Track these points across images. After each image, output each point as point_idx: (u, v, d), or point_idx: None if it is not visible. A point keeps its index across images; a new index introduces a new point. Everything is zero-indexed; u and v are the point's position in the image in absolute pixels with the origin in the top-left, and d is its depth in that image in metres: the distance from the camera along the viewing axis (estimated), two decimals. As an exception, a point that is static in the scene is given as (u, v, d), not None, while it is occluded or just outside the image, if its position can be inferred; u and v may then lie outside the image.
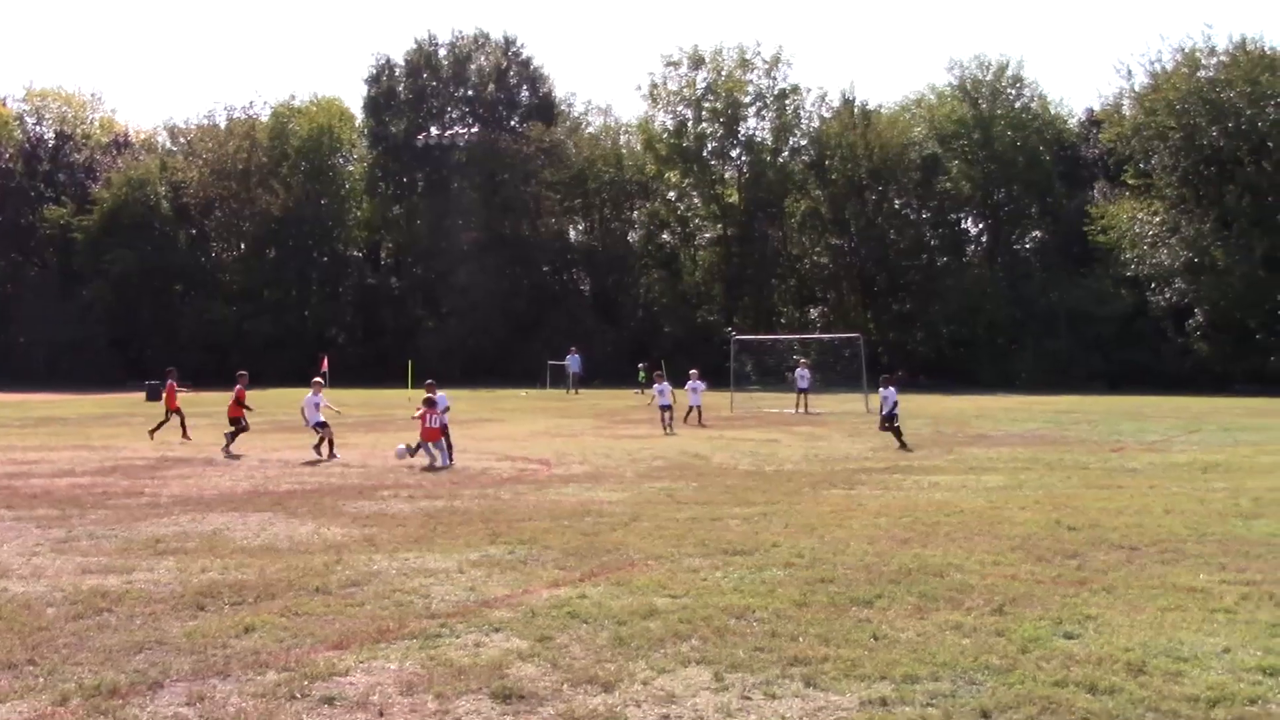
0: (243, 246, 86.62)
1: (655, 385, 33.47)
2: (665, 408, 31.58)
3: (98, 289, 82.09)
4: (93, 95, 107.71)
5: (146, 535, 14.04)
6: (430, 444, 22.92)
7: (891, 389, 26.89)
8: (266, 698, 7.51)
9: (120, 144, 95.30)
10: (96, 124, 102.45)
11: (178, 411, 29.26)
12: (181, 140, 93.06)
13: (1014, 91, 71.56)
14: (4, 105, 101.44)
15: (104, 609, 10.00)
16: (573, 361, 57.53)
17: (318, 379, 26.31)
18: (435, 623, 9.53)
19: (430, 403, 23.28)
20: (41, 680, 7.87)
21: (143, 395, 50.58)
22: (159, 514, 15.91)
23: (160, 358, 73.89)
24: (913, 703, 7.56)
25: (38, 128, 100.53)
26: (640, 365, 55.49)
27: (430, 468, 22.02)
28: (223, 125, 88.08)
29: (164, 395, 30.77)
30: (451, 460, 22.82)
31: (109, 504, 16.96)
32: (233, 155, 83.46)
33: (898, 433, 26.48)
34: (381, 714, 7.24)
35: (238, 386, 26.80)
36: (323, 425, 24.54)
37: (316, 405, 24.82)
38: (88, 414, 40.03)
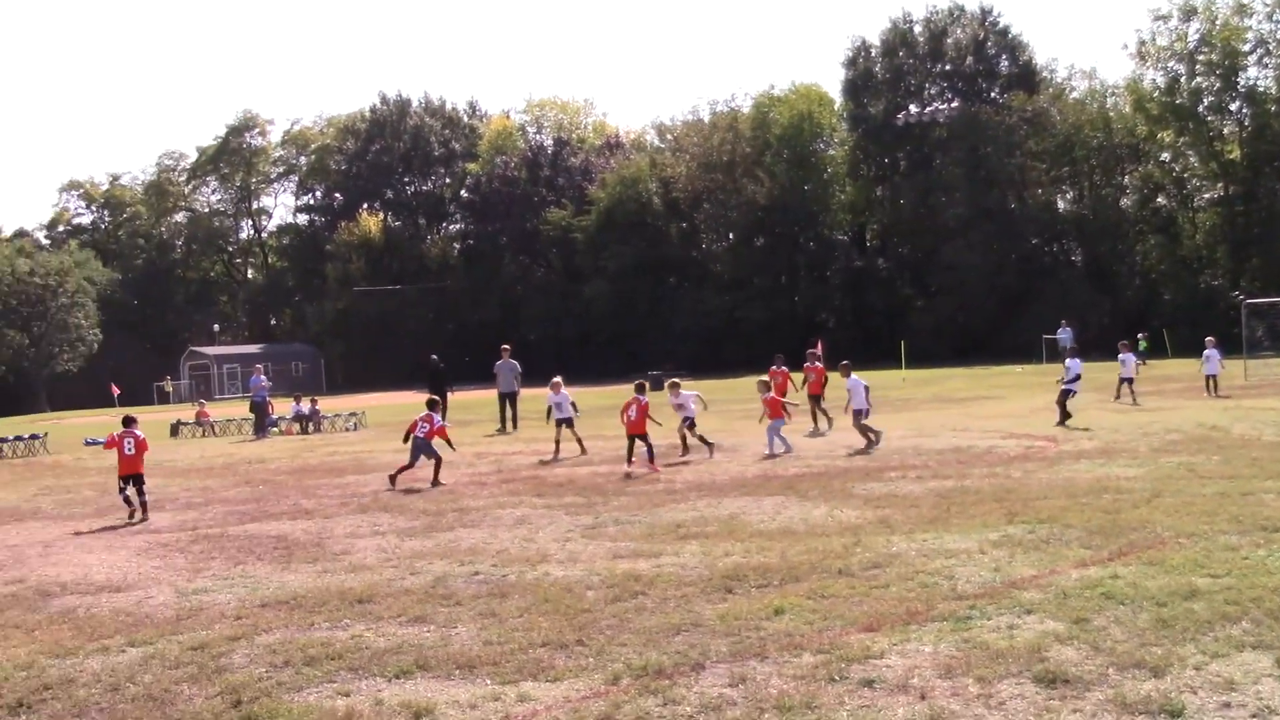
0: (731, 236, 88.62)
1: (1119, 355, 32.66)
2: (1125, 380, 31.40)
3: (597, 286, 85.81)
4: (585, 101, 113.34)
5: (668, 520, 14.52)
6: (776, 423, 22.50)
7: None
8: (805, 680, 7.56)
9: (612, 145, 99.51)
10: (590, 128, 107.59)
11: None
12: (669, 137, 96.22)
13: None
14: (508, 118, 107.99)
15: (639, 592, 10.37)
16: (1065, 335, 55.62)
17: (557, 379, 25.36)
18: (964, 604, 9.35)
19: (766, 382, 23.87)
20: (591, 660, 8.23)
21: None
22: (676, 499, 16.43)
23: (656, 350, 76.80)
24: None
25: (538, 136, 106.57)
26: (1139, 335, 52.97)
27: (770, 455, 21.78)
28: (706, 119, 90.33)
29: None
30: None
31: (628, 491, 17.67)
32: (717, 148, 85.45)
33: None
34: (923, 697, 7.14)
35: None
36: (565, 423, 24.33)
37: (559, 404, 24.36)
38: (597, 405, 41.91)
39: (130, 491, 18.04)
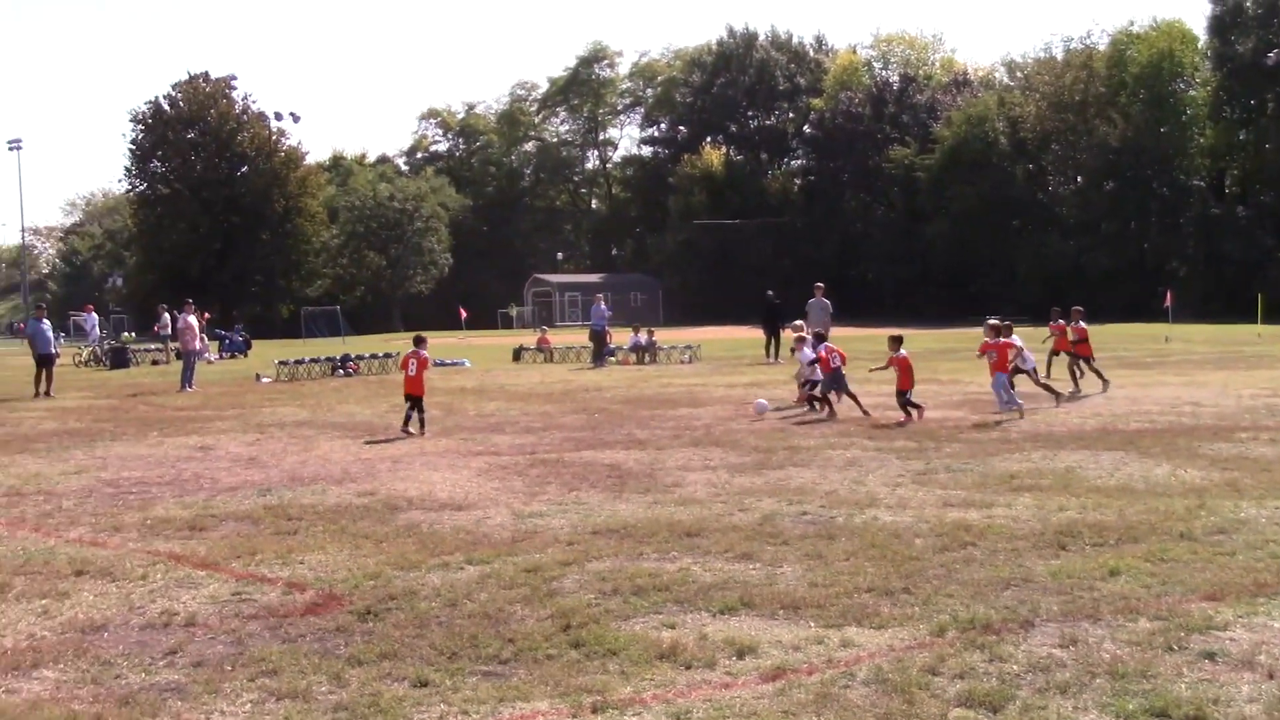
0: (1079, 179, 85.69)
1: None
2: None
3: (938, 226, 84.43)
4: (934, 37, 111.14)
5: (1001, 470, 14.19)
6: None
7: None
8: (1141, 646, 7.27)
9: (960, 83, 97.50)
10: (937, 64, 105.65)
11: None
12: (1019, 75, 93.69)
13: None
14: (855, 53, 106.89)
15: (968, 543, 10.18)
16: None
17: (800, 327, 23.86)
18: (1320, 580, 8.82)
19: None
20: (917, 610, 8.12)
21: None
22: (1010, 449, 16.03)
23: (997, 293, 75.09)
24: None
25: (884, 72, 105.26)
26: None
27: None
28: (1060, 57, 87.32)
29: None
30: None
31: (961, 438, 17.34)
32: (1069, 87, 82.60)
33: None
34: (1271, 676, 6.76)
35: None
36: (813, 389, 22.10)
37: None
38: (930, 348, 41.31)
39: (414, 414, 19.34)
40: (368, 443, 18.53)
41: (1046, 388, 21.94)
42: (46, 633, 8.05)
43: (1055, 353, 26.38)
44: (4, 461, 17.21)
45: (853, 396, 21.01)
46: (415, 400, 19.60)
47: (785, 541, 10.39)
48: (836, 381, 21.23)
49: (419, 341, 20.52)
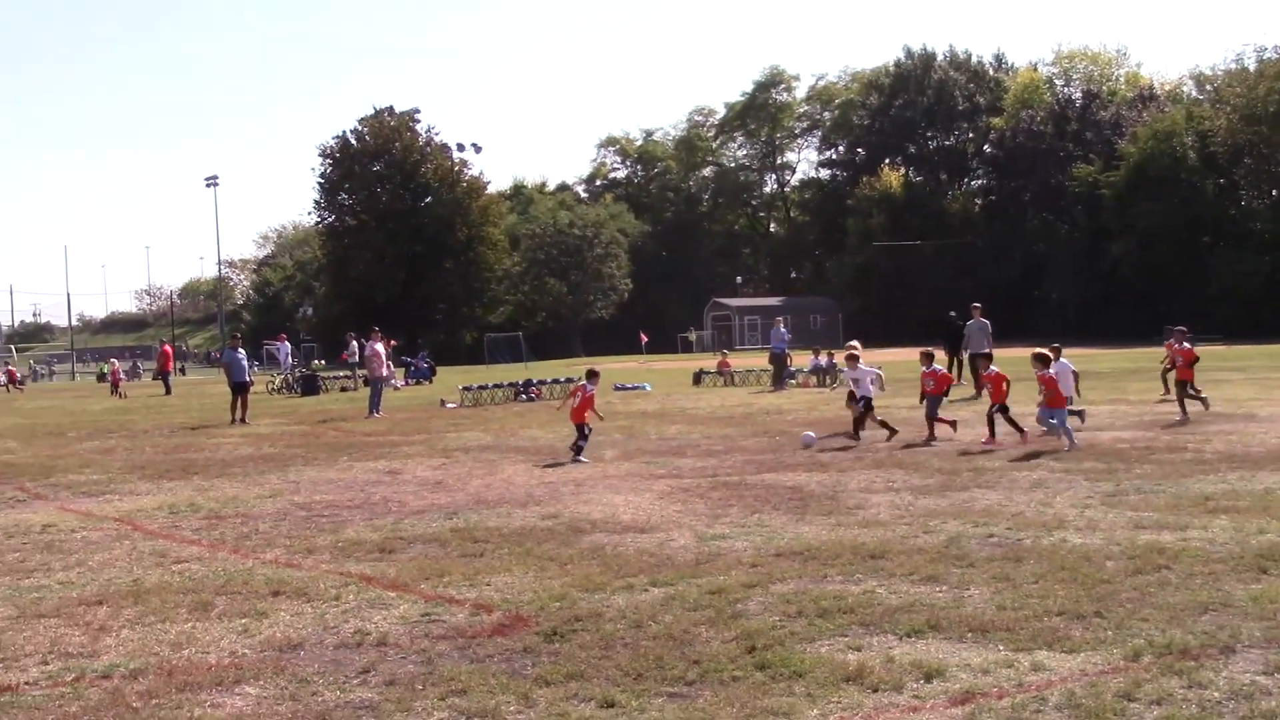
0: (1275, 193, 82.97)
1: None
2: None
3: (1124, 244, 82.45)
4: (1118, 52, 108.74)
5: (1195, 492, 13.77)
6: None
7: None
8: (1349, 674, 7.00)
9: (1145, 97, 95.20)
10: (1122, 80, 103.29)
11: None
12: (1208, 88, 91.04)
13: None
14: (1035, 70, 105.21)
15: (1162, 566, 9.89)
16: None
17: (855, 348, 22.63)
18: None
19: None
20: (1110, 633, 7.92)
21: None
22: (1205, 470, 15.56)
23: (1187, 312, 73.02)
24: None
25: (1066, 89, 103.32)
26: None
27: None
28: (1252, 67, 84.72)
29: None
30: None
31: (1152, 459, 16.88)
32: (1264, 98, 79.95)
33: None
34: None
35: None
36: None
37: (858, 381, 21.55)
38: (1120, 368, 40.37)
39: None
40: (550, 466, 18.74)
41: (881, 424, 21.01)
42: (247, 650, 8.30)
43: (1169, 371, 25.49)
44: (204, 485, 17.81)
45: (885, 425, 20.77)
46: (577, 427, 19.93)
47: (971, 564, 10.23)
48: (859, 410, 21.12)
49: (590, 375, 20.92)
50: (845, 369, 21.48)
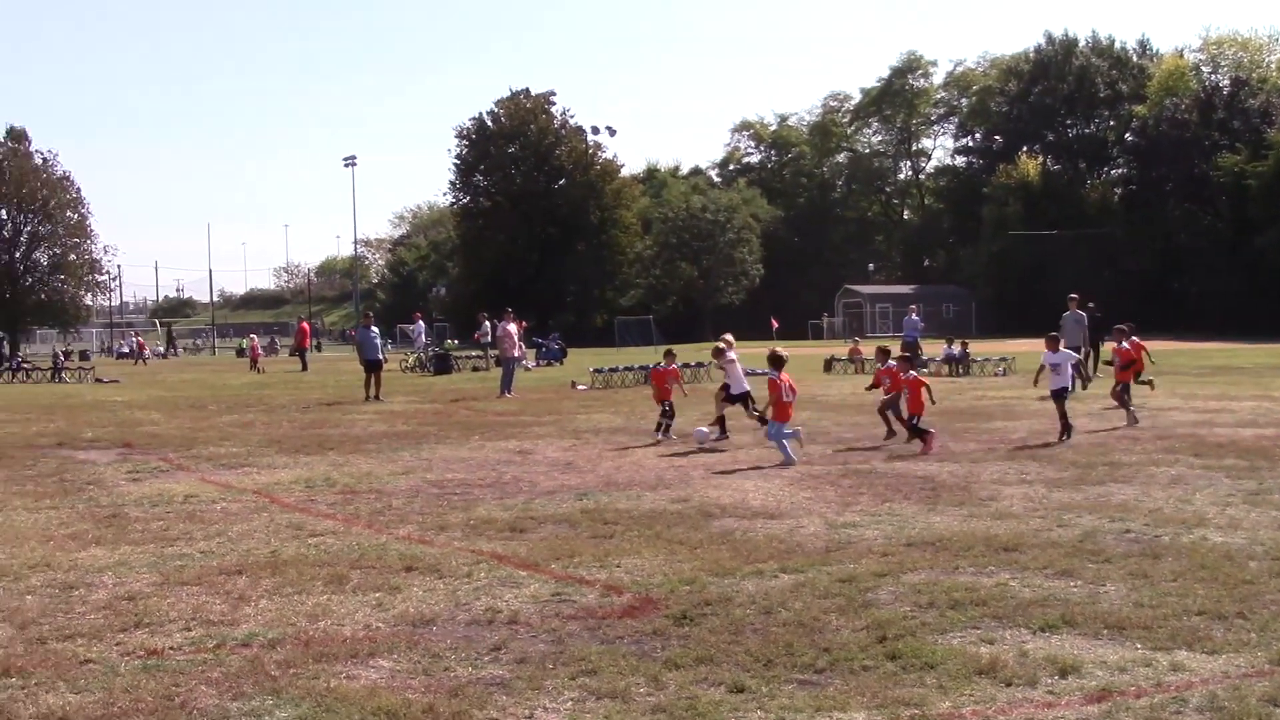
0: None
1: None
2: None
3: (1270, 236, 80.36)
4: (1270, 37, 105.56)
5: (1343, 492, 13.41)
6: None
7: None
8: None
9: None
10: (1273, 66, 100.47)
11: None
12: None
13: None
14: (1181, 57, 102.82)
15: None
16: None
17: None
18: None
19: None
20: (1254, 635, 7.72)
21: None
22: (1354, 471, 15.14)
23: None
24: None
25: (1213, 76, 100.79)
26: None
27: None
28: None
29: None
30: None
31: (1298, 457, 16.47)
32: None
33: None
34: None
35: None
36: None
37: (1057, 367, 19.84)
38: (1264, 364, 39.39)
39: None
40: (680, 450, 18.76)
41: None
42: (381, 624, 8.42)
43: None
44: (339, 461, 18.11)
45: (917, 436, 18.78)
46: (665, 405, 20.87)
47: (1107, 559, 10.04)
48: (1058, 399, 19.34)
49: (667, 354, 22.51)
50: (1045, 354, 19.88)
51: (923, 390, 18.69)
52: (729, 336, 22.22)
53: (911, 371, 19.29)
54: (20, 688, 7.08)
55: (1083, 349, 28.49)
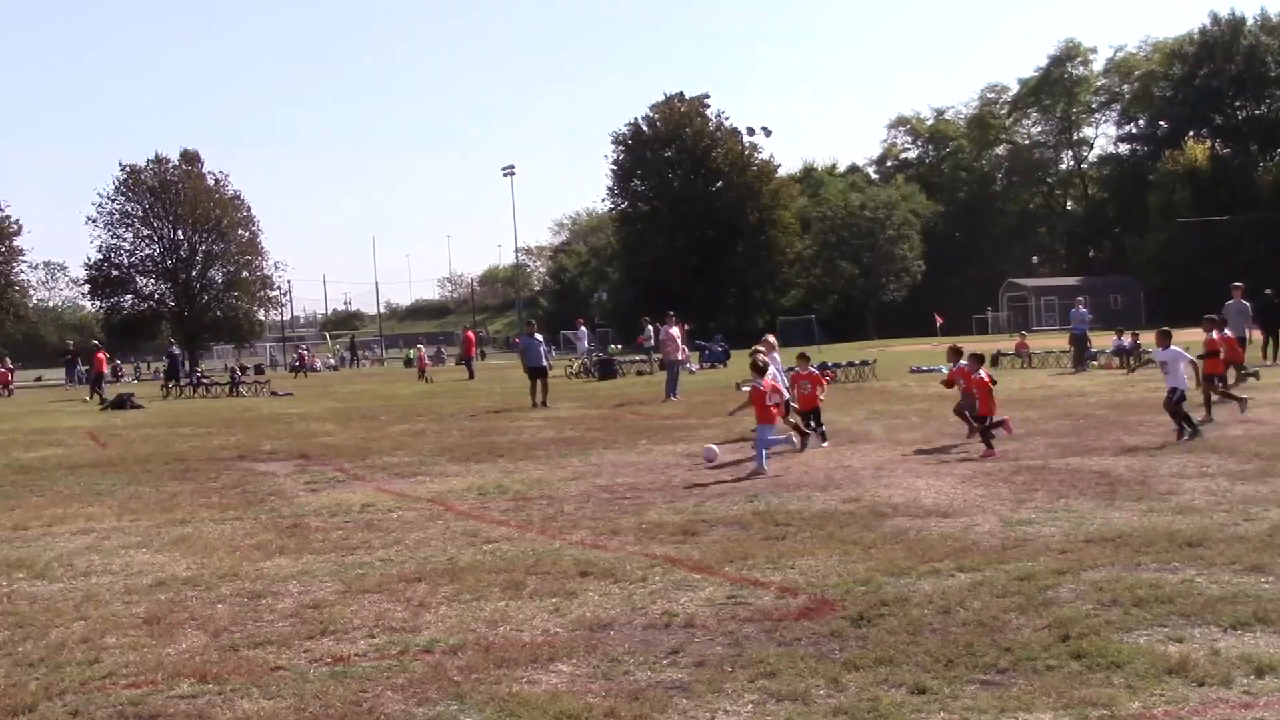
0: None
1: None
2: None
3: None
4: None
5: None
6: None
7: None
8: None
9: None
10: None
11: None
12: None
13: None
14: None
15: None
16: None
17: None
18: None
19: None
20: None
21: None
22: None
23: None
24: None
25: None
26: None
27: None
28: None
29: None
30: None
31: None
32: None
33: None
34: None
35: None
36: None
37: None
38: None
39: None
40: (848, 450, 18.64)
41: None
42: (559, 629, 8.52)
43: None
44: (509, 467, 18.35)
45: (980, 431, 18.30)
46: (808, 413, 19.82)
47: (1299, 554, 9.75)
48: (1171, 402, 18.36)
49: (801, 359, 21.10)
50: (1155, 349, 19.40)
51: (991, 392, 18.37)
52: (770, 338, 21.96)
53: (980, 372, 18.91)
54: (217, 693, 7.32)
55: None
